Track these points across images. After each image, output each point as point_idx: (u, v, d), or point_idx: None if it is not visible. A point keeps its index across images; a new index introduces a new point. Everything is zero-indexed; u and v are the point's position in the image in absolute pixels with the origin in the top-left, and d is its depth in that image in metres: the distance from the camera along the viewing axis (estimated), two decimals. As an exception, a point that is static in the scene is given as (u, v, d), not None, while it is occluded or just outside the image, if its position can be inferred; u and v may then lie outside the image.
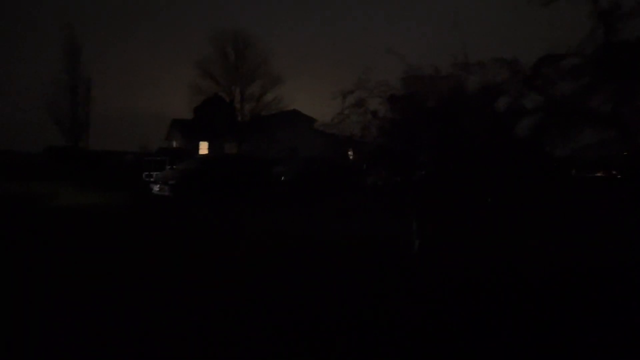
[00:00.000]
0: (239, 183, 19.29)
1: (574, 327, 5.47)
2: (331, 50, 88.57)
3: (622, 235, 10.50)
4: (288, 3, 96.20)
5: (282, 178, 21.70)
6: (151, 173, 25.02)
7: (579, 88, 5.91)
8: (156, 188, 18.20)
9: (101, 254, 8.55)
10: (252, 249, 9.44)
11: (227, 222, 12.92)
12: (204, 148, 46.82)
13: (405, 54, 8.47)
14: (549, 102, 6.02)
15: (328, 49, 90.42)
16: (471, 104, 8.20)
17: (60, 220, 12.64)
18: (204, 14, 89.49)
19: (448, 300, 6.33)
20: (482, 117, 8.34)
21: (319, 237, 11.08)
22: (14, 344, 4.68)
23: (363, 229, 12.43)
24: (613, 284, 7.18)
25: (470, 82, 8.08)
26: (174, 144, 48.44)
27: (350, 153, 40.82)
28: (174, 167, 22.39)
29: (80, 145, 35.04)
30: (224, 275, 7.30)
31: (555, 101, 6.07)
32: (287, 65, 57.81)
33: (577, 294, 6.66)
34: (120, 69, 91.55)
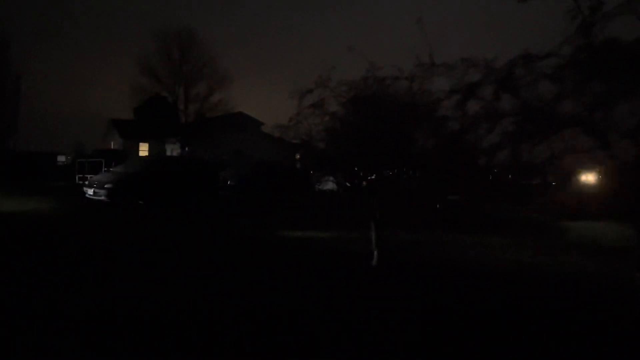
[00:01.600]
0: (183, 187, 18.24)
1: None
2: (281, 52, 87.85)
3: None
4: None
5: (229, 182, 20.81)
6: (85, 176, 23.41)
7: (557, 91, 5.55)
8: (90, 192, 16.83)
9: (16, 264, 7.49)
10: (196, 260, 8.62)
11: (167, 229, 11.98)
12: (144, 149, 44.77)
13: (368, 54, 7.99)
14: (524, 106, 5.62)
15: (277, 51, 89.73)
16: (430, 109, 7.79)
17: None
18: (147, 8, 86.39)
19: (412, 319, 5.83)
20: (438, 123, 7.95)
21: (274, 246, 10.38)
22: None
23: (319, 238, 11.84)
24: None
25: (435, 85, 7.62)
26: (112, 145, 46.08)
27: (297, 157, 40.04)
28: (111, 169, 20.96)
29: (8, 146, 32.43)
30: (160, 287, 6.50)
31: (530, 105, 5.68)
32: (234, 66, 56.28)
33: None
34: (54, 65, 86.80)
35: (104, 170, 22.67)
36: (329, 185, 26.19)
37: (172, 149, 41.31)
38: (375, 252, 8.53)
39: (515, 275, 8.47)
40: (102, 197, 16.37)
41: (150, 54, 34.44)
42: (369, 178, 10.32)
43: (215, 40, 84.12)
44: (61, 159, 44.64)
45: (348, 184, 25.92)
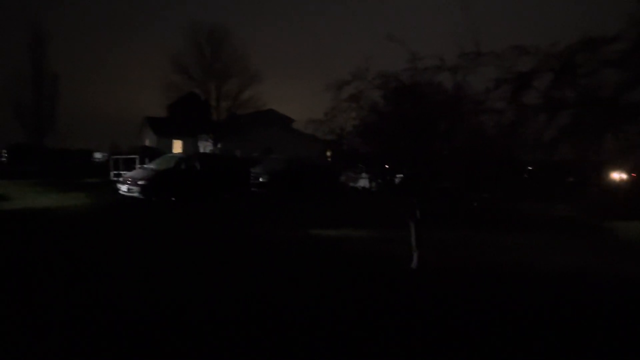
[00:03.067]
0: (214, 184, 18.14)
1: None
2: (311, 49, 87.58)
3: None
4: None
5: (260, 179, 20.61)
6: (120, 172, 23.60)
7: (622, 79, 5.02)
8: (124, 188, 16.89)
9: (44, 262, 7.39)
10: (232, 259, 8.37)
11: (198, 226, 11.79)
12: (177, 147, 45.28)
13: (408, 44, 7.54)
14: (585, 96, 5.11)
15: (307, 47, 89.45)
16: (477, 101, 7.28)
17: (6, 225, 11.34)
18: (180, 7, 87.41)
19: (455, 326, 5.40)
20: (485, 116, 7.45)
21: (307, 246, 10.04)
22: None
23: (353, 237, 11.44)
24: None
25: (481, 75, 7.14)
26: (147, 142, 46.75)
27: (328, 154, 39.36)
28: (144, 166, 21.05)
29: (45, 143, 33.10)
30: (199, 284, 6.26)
31: (592, 95, 5.16)
32: (264, 62, 56.20)
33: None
34: (91, 64, 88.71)
35: (138, 167, 22.80)
36: (361, 182, 25.81)
37: (205, 146, 41.58)
38: (416, 255, 8.09)
39: (575, 280, 7.87)
40: (136, 194, 16.39)
41: (183, 52, 34.68)
42: (403, 175, 9.91)
43: (246, 37, 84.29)
44: (97, 156, 45.53)
45: (381, 181, 25.46)
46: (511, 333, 5.23)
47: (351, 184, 25.82)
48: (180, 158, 19.06)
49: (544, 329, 5.38)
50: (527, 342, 4.97)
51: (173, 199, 16.85)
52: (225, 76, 34.47)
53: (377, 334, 5.07)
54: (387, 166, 10.15)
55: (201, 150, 40.52)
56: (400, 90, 7.42)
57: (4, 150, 35.93)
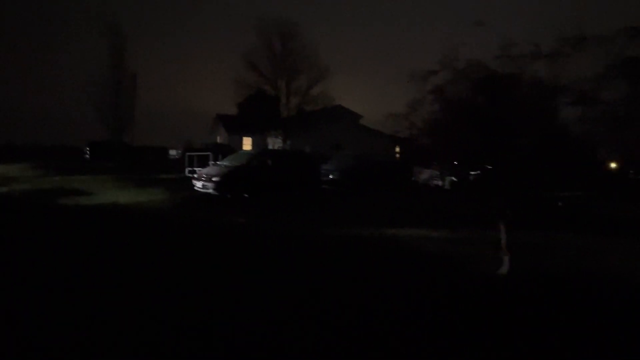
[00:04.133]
0: (286, 180, 18.10)
1: None
2: (380, 43, 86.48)
3: None
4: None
5: (330, 176, 20.40)
6: (194, 169, 24.21)
7: None
8: (199, 184, 17.20)
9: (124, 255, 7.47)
10: (309, 259, 8.14)
11: (276, 224, 11.68)
12: (247, 143, 46.06)
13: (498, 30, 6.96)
14: None
15: (376, 41, 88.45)
16: (582, 91, 6.59)
17: (84, 219, 11.74)
18: (249, 5, 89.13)
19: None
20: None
21: (381, 247, 9.65)
22: None
23: (429, 238, 10.92)
24: None
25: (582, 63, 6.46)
26: (218, 139, 47.94)
27: (397, 150, 38.71)
28: (217, 162, 21.43)
29: (123, 140, 34.70)
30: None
31: None
32: (333, 58, 56.07)
33: None
34: (165, 64, 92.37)
35: (211, 164, 23.27)
36: (434, 180, 25.01)
37: (274, 143, 42.02)
38: (506, 259, 7.49)
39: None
40: (210, 190, 16.64)
41: (254, 49, 35.06)
42: (481, 172, 9.32)
43: (315, 32, 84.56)
44: (172, 152, 47.29)
45: (455, 179, 24.53)
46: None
47: (423, 182, 25.11)
48: (252, 155, 19.18)
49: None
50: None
51: (246, 195, 16.97)
52: (295, 72, 34.58)
53: (471, 346, 4.64)
54: (463, 163, 9.62)
55: (270, 146, 40.99)
56: (491, 80, 6.86)
57: (87, 148, 38.08)
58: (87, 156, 37.42)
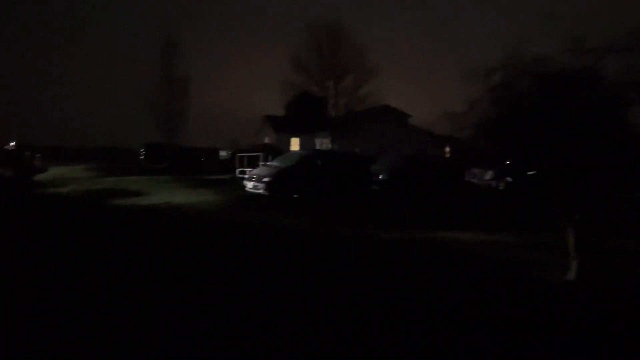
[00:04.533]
0: (336, 181, 17.99)
1: None
2: (426, 42, 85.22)
3: None
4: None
5: (380, 176, 20.11)
6: (244, 169, 24.48)
7: None
8: (250, 185, 17.36)
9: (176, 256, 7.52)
10: (359, 263, 7.98)
11: (326, 226, 11.57)
12: (295, 144, 46.33)
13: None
14: None
15: (424, 40, 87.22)
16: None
17: (146, 218, 11.99)
18: (298, 6, 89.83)
19: None
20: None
21: (441, 253, 9.34)
22: None
23: (487, 242, 10.51)
24: None
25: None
26: (266, 139, 48.42)
27: (447, 150, 37.91)
28: (267, 163, 21.58)
29: (175, 141, 35.57)
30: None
31: None
32: (381, 58, 55.64)
33: None
34: (212, 65, 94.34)
35: (261, 164, 23.46)
36: (487, 180, 24.25)
37: (321, 143, 42.05)
38: (574, 264, 7.08)
39: None
40: (261, 191, 16.74)
41: (302, 50, 35.20)
42: (537, 172, 8.89)
43: (364, 32, 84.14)
44: (223, 153, 48.06)
45: (510, 179, 23.66)
46: None
47: (476, 182, 24.40)
48: (302, 155, 19.18)
49: None
50: None
51: (295, 196, 16.97)
52: (343, 72, 34.47)
53: (543, 357, 4.37)
54: (519, 163, 9.21)
55: (317, 147, 41.05)
56: (561, 76, 6.48)
57: (142, 149, 39.26)
58: (142, 157, 38.57)
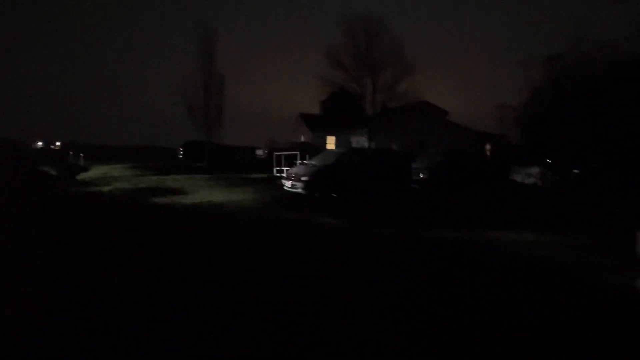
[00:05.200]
0: (375, 179, 17.65)
1: None
2: (465, 37, 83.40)
3: None
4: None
5: (421, 175, 19.65)
6: (282, 168, 24.41)
7: None
8: (288, 184, 17.20)
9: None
10: (411, 267, 7.64)
11: (371, 226, 11.26)
12: (331, 142, 46.12)
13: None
14: None
15: (462, 35, 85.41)
16: None
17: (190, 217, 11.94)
18: (333, 2, 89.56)
19: None
20: None
21: (495, 254, 8.88)
22: None
23: (539, 243, 9.98)
24: None
25: None
26: (302, 138, 48.42)
27: (487, 147, 37.10)
28: (305, 162, 21.41)
29: (213, 139, 35.80)
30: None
31: None
32: (419, 52, 54.38)
33: None
34: (247, 64, 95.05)
35: (299, 163, 23.33)
36: (530, 177, 23.46)
37: (357, 141, 41.66)
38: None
39: None
40: (299, 190, 16.56)
41: (338, 46, 34.75)
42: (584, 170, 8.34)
43: (402, 26, 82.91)
44: (259, 152, 48.39)
45: (557, 177, 22.76)
46: None
47: (519, 180, 23.65)
48: (340, 154, 18.89)
49: None
50: None
51: (334, 195, 16.72)
52: (381, 68, 33.87)
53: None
54: (566, 160, 8.68)
55: (354, 144, 40.68)
56: (628, 64, 5.97)
57: (180, 148, 39.77)
58: (181, 156, 39.08)
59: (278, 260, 7.56)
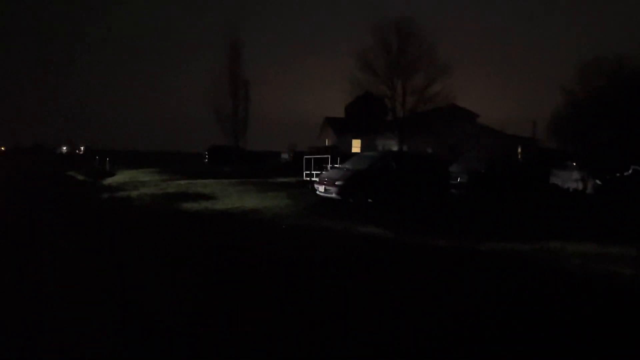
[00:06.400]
0: (412, 184, 16.81)
1: None
2: (497, 39, 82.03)
3: None
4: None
5: (459, 179, 18.74)
6: (311, 172, 23.72)
7: None
8: (321, 189, 16.46)
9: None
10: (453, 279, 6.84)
11: (412, 234, 10.45)
12: (356, 146, 45.39)
13: None
14: None
15: (493, 37, 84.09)
16: None
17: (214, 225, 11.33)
18: (360, 6, 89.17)
19: None
20: None
21: (564, 270, 7.99)
22: None
23: (616, 257, 9.02)
24: None
25: None
26: (327, 142, 47.83)
27: (519, 151, 35.60)
28: (337, 166, 20.67)
29: (238, 144, 35.47)
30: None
31: None
32: (450, 55, 53.25)
33: None
34: (271, 70, 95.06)
35: (329, 167, 22.60)
36: (571, 182, 22.31)
37: (384, 144, 40.81)
38: None
39: None
40: (333, 195, 15.84)
41: (368, 48, 33.98)
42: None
43: (434, 28, 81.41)
44: (284, 156, 47.99)
45: (599, 182, 21.54)
46: None
47: (560, 185, 22.50)
48: (375, 157, 18.09)
49: None
50: None
51: (370, 200, 15.95)
52: (412, 70, 32.98)
53: None
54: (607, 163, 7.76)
55: (380, 148, 39.85)
56: None
57: (206, 152, 39.55)
58: (206, 160, 38.83)
59: (340, 282, 6.85)
